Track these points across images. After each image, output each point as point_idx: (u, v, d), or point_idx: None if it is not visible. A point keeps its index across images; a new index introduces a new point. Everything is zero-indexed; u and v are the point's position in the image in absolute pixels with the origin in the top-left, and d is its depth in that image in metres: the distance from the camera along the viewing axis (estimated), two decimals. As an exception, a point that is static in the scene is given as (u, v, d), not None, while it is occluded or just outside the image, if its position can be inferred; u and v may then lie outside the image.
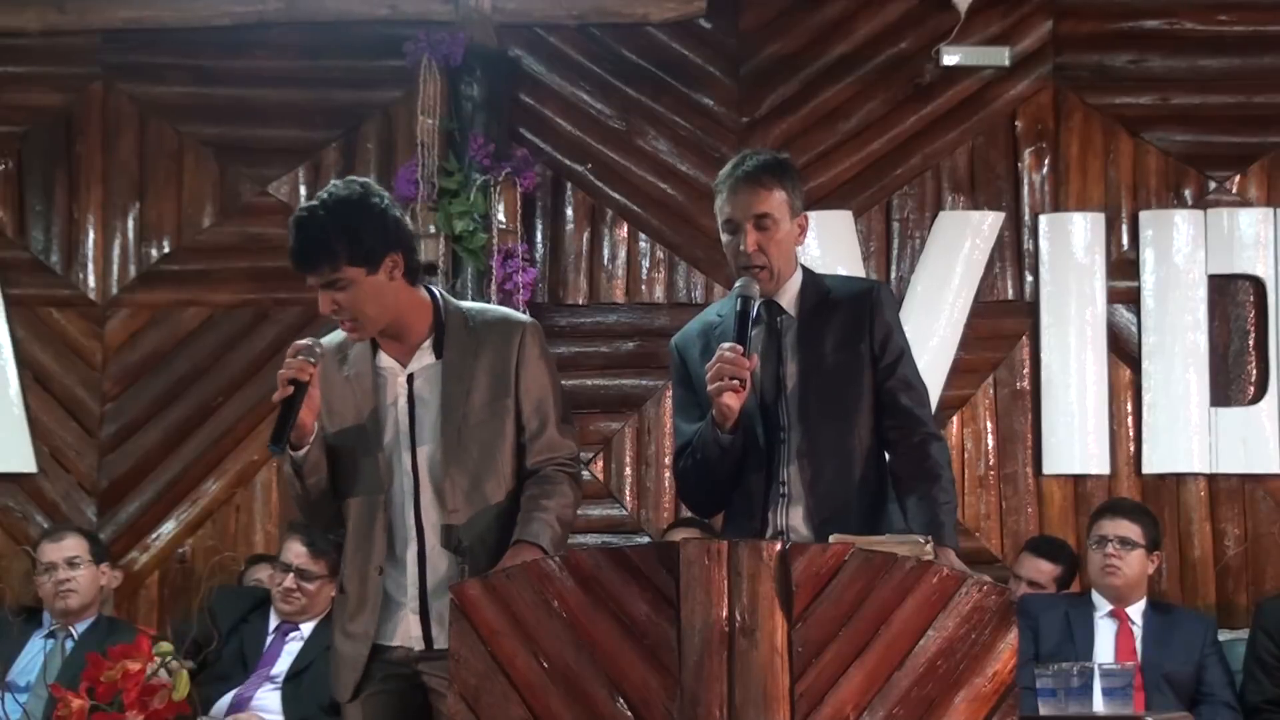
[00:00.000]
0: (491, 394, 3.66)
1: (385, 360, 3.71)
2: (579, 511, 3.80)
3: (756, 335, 3.81)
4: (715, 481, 3.82)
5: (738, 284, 3.79)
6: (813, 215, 6.27)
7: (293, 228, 3.62)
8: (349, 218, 3.56)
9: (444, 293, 3.81)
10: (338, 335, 3.77)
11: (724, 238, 3.87)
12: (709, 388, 3.67)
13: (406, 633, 3.62)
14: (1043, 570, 5.79)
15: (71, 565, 5.67)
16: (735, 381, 3.63)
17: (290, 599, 5.51)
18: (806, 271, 3.94)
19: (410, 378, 3.69)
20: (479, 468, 3.63)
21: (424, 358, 3.69)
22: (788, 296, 3.88)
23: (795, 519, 3.76)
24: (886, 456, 3.88)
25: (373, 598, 3.63)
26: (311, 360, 3.57)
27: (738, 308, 3.74)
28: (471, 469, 3.63)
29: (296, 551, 5.54)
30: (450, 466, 3.61)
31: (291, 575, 5.51)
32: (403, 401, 3.68)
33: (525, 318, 3.80)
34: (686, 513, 6.30)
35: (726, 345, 3.66)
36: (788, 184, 3.84)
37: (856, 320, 3.84)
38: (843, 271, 5.87)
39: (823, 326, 3.84)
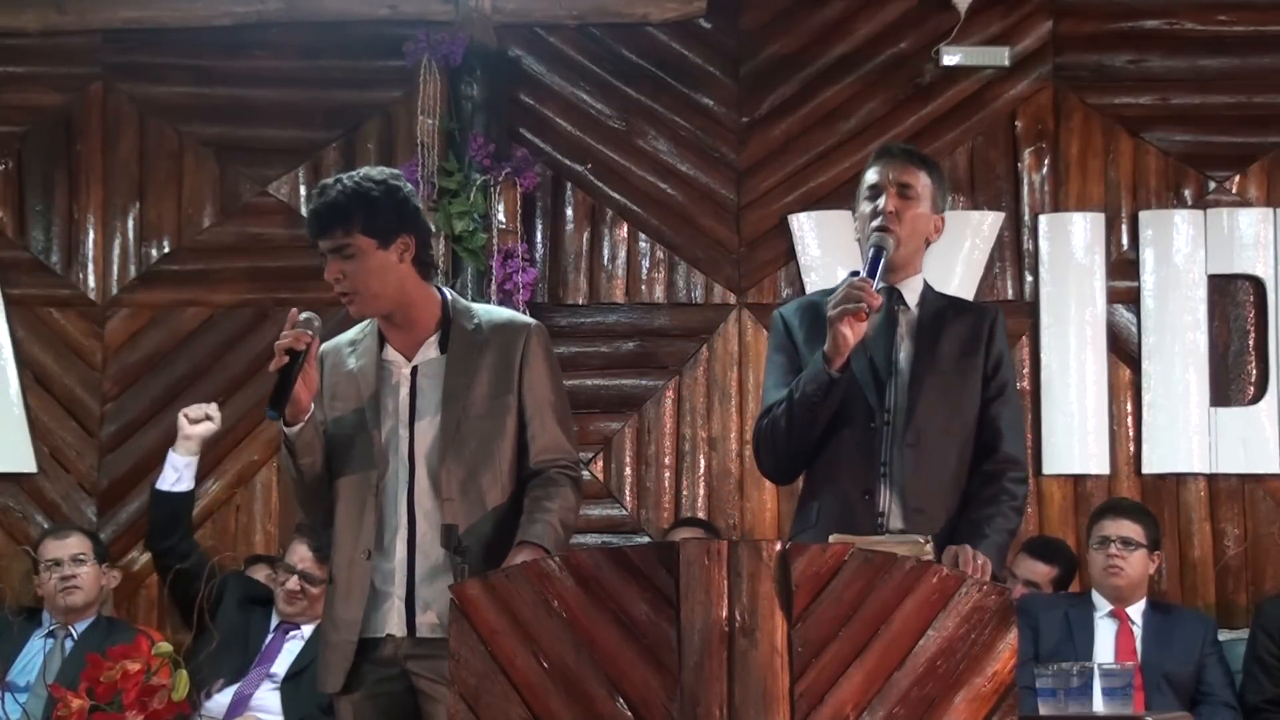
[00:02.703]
0: (494, 390, 3.69)
1: (391, 354, 3.75)
2: (578, 511, 3.81)
3: (874, 316, 3.84)
4: (806, 431, 3.80)
5: (872, 237, 3.84)
6: (813, 215, 6.39)
7: (314, 194, 3.71)
8: (369, 190, 3.65)
9: (454, 293, 3.86)
10: (350, 333, 3.83)
11: (863, 207, 3.93)
12: (831, 312, 3.70)
13: (391, 621, 3.63)
14: (1039, 572, 5.79)
15: (76, 562, 5.68)
16: (861, 306, 3.66)
17: (293, 601, 5.52)
18: (927, 282, 4.03)
19: (414, 370, 3.73)
20: (476, 460, 3.66)
21: (429, 351, 3.74)
22: (911, 292, 3.96)
23: (895, 502, 3.79)
24: None
25: (360, 585, 3.64)
26: (308, 332, 3.60)
27: (870, 254, 3.79)
28: (468, 460, 3.65)
29: (301, 555, 5.54)
30: (447, 456, 3.64)
31: (295, 578, 5.51)
32: (404, 392, 3.71)
33: (531, 320, 3.85)
34: (686, 513, 6.31)
35: (858, 277, 3.72)
36: (935, 176, 3.96)
37: (974, 335, 3.92)
38: (842, 273, 5.85)
39: (940, 329, 3.91)
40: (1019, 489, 3.87)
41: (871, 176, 3.93)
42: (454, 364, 3.70)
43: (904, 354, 3.88)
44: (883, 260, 3.79)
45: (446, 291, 3.83)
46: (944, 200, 3.99)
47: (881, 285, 3.85)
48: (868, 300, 3.67)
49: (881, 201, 3.87)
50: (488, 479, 3.66)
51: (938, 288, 4.28)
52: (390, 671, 3.63)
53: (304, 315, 3.65)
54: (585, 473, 6.22)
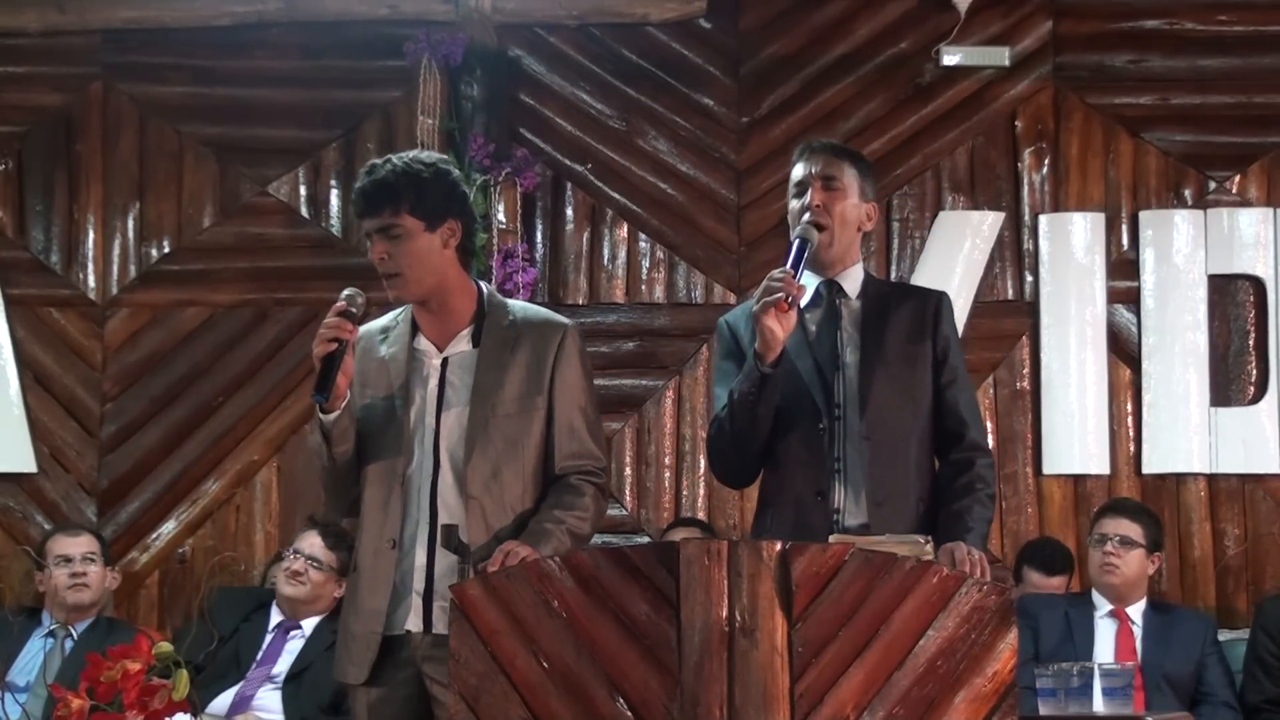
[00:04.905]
0: (524, 390, 3.66)
1: (423, 343, 3.73)
2: (601, 518, 3.76)
3: (815, 312, 3.86)
4: (749, 433, 3.78)
5: (797, 230, 3.83)
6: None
7: (363, 172, 3.69)
8: (420, 172, 3.64)
9: (490, 287, 3.83)
10: (383, 320, 3.80)
11: (791, 204, 3.92)
12: (754, 308, 3.68)
13: (410, 618, 3.60)
14: (1051, 584, 5.79)
15: (87, 560, 5.72)
16: (780, 296, 3.62)
17: (296, 581, 5.52)
18: (867, 271, 4.01)
19: (445, 362, 3.70)
20: (501, 459, 3.62)
21: (460, 344, 3.71)
22: (850, 283, 3.93)
23: (850, 497, 3.77)
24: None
25: (385, 575, 3.61)
26: (352, 312, 3.58)
27: (794, 245, 3.76)
28: (493, 458, 3.62)
29: (311, 541, 5.56)
30: (474, 453, 3.61)
31: (302, 559, 5.53)
32: (433, 384, 3.68)
33: (567, 321, 3.79)
34: (686, 513, 6.31)
35: (777, 271, 3.69)
36: (861, 167, 3.94)
37: (920, 321, 3.89)
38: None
39: (885, 317, 3.88)
40: (990, 474, 3.86)
41: (796, 173, 3.92)
42: (485, 359, 3.67)
43: (849, 347, 3.86)
44: (807, 251, 3.76)
45: (484, 285, 3.80)
46: (873, 189, 3.97)
47: (820, 280, 3.87)
48: (786, 289, 3.64)
49: (808, 197, 3.87)
50: (512, 479, 3.63)
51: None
52: (406, 673, 3.60)
53: (347, 292, 3.63)
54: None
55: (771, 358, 3.69)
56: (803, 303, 3.80)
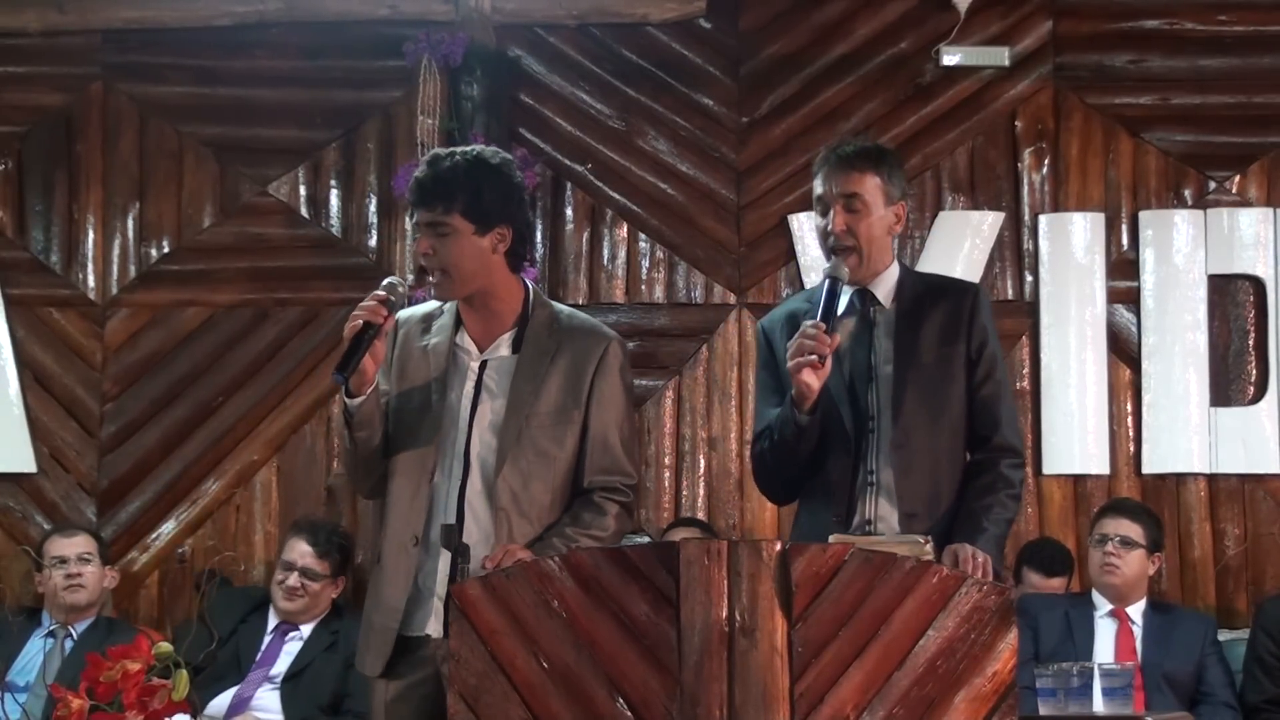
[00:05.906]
0: (560, 402, 3.63)
1: (465, 340, 3.70)
2: (621, 537, 3.72)
3: (848, 322, 3.84)
4: (791, 465, 3.81)
5: (827, 265, 3.81)
6: (813, 215, 6.37)
7: (424, 161, 3.66)
8: (479, 173, 3.60)
9: (537, 288, 3.80)
10: (427, 306, 3.78)
11: (816, 220, 3.89)
12: (789, 364, 3.67)
13: (429, 622, 3.59)
14: (1051, 585, 5.79)
15: (82, 561, 5.72)
16: (814, 358, 3.62)
17: (294, 597, 5.52)
18: (903, 266, 3.97)
19: (483, 365, 3.67)
20: (532, 471, 3.60)
21: (501, 349, 3.68)
22: (883, 288, 3.90)
23: (883, 509, 3.76)
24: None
25: (406, 572, 3.60)
26: (392, 303, 3.56)
27: (825, 288, 3.73)
28: (524, 470, 3.60)
29: (301, 551, 5.57)
30: (505, 464, 3.59)
31: (296, 574, 5.53)
32: (469, 386, 3.65)
33: (612, 334, 3.75)
34: (686, 513, 6.31)
35: (809, 322, 3.67)
36: (884, 170, 3.86)
37: (954, 320, 3.86)
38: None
39: (919, 321, 3.86)
40: (1015, 475, 3.83)
41: (817, 187, 3.88)
42: (524, 368, 3.64)
43: (883, 355, 3.84)
44: (838, 291, 3.74)
45: (531, 286, 3.76)
46: (900, 187, 3.90)
47: (853, 289, 3.84)
48: (819, 349, 3.63)
49: (831, 219, 3.83)
50: (541, 491, 3.60)
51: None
52: (425, 672, 3.59)
53: (388, 281, 3.61)
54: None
55: (808, 406, 3.69)
56: (840, 310, 3.79)
